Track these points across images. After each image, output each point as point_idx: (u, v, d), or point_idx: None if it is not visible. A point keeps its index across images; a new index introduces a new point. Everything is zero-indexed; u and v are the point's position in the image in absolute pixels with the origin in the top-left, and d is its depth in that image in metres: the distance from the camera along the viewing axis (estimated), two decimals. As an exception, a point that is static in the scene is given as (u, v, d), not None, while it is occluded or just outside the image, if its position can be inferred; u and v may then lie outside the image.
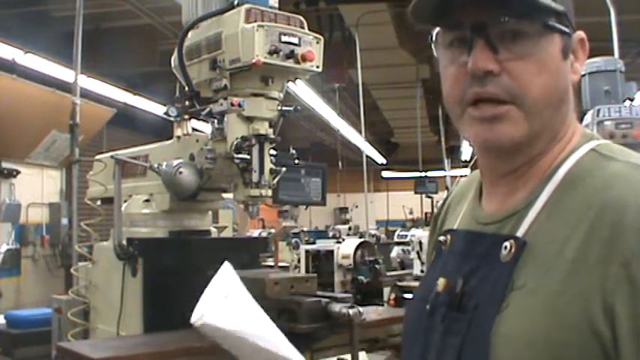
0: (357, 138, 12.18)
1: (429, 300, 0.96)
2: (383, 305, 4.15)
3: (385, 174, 20.23)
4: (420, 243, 4.89)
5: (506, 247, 0.87)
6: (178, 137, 2.50)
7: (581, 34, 0.95)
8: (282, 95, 2.33)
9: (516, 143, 0.89)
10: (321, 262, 3.97)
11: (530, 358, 0.80)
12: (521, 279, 0.84)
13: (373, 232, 9.12)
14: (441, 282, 0.95)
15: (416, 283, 4.03)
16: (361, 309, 2.03)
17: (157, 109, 8.94)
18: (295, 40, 2.18)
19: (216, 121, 2.23)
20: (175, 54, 2.35)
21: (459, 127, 0.93)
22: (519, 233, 0.88)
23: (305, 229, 9.03)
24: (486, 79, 0.87)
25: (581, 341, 0.77)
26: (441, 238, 1.05)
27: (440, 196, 8.62)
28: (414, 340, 0.99)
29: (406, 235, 6.32)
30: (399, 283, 4.73)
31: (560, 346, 0.78)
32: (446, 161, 9.70)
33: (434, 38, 0.95)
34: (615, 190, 0.82)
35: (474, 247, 0.95)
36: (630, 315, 0.75)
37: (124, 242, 2.38)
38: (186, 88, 2.34)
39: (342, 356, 2.02)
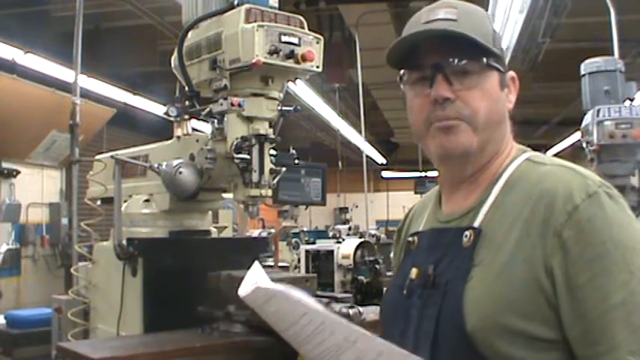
0: (357, 138, 12.17)
1: (404, 286, 1.20)
2: (383, 305, 4.14)
3: (385, 174, 20.22)
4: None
5: (466, 236, 1.14)
6: (178, 137, 2.50)
7: (512, 73, 1.24)
8: (282, 95, 2.32)
9: (467, 151, 1.17)
10: (321, 262, 3.94)
11: (491, 312, 1.05)
12: (480, 257, 1.10)
13: (373, 232, 9.08)
14: (414, 271, 1.20)
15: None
16: (361, 309, 2.04)
17: (157, 109, 8.92)
18: (295, 40, 2.17)
19: (216, 121, 2.23)
20: (175, 54, 2.35)
21: (424, 143, 1.21)
22: (476, 224, 1.14)
23: (305, 229, 9.00)
24: (445, 105, 1.15)
25: (528, 295, 1.04)
26: (409, 239, 1.30)
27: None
28: (395, 319, 1.21)
29: (406, 235, 6.29)
30: (399, 283, 4.71)
31: (512, 300, 1.04)
32: (446, 161, 9.67)
33: (401, 78, 1.22)
34: (547, 184, 1.10)
35: (439, 240, 1.20)
36: (564, 271, 1.03)
37: (124, 242, 2.38)
38: (186, 88, 2.33)
39: (342, 356, 2.02)
